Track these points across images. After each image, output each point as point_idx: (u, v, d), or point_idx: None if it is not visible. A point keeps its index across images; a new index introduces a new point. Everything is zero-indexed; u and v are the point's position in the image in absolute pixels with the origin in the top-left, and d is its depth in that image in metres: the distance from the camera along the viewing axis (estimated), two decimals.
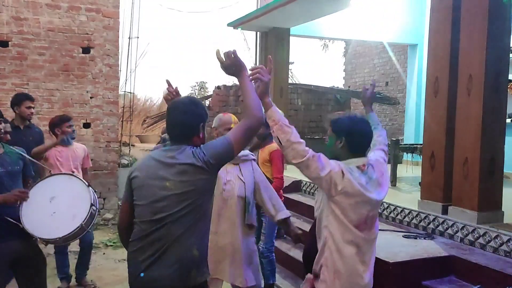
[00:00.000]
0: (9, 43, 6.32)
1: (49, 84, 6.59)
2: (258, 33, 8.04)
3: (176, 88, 2.59)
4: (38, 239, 2.87)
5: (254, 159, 3.14)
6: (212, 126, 3.06)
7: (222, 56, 2.03)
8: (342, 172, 2.14)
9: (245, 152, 3.07)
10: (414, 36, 8.14)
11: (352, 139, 2.28)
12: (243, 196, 2.93)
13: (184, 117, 2.04)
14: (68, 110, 6.66)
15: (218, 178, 2.76)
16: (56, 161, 4.21)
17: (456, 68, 4.11)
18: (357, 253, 2.20)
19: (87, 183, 3.13)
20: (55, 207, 2.90)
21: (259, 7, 8.03)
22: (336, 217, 2.18)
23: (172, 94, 2.57)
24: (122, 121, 8.75)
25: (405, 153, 7.18)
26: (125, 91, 9.43)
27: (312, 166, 2.11)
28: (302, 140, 2.14)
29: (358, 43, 11.60)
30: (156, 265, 1.95)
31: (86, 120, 6.86)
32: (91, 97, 6.86)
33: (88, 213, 2.91)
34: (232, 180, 2.95)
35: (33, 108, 4.47)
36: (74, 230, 2.84)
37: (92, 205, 2.94)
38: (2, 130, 3.02)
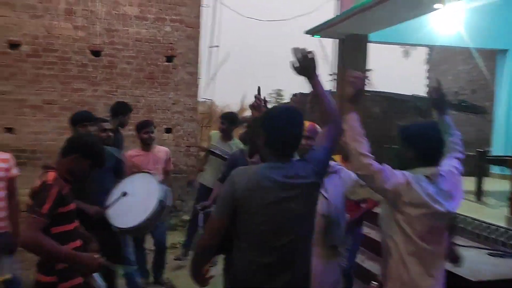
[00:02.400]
0: (101, 53, 6.84)
1: (135, 91, 7.03)
2: (335, 40, 7.97)
3: (264, 97, 2.57)
4: (117, 228, 3.14)
5: (340, 169, 2.76)
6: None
7: (298, 54, 1.98)
8: (409, 182, 2.07)
9: (330, 163, 2.87)
10: (504, 41, 7.60)
11: (421, 148, 2.17)
12: (325, 214, 2.58)
13: (296, 131, 1.95)
14: (152, 115, 7.04)
15: None
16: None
17: None
18: (422, 265, 2.11)
19: (160, 181, 3.36)
20: (131, 201, 3.15)
21: (338, 14, 7.95)
22: (400, 228, 2.11)
23: (257, 102, 2.56)
24: (201, 126, 9.08)
25: (492, 166, 6.71)
26: (205, 98, 9.80)
27: (377, 179, 2.07)
28: (370, 155, 2.10)
29: (441, 49, 11.04)
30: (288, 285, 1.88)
31: (168, 126, 7.21)
32: (173, 104, 7.20)
33: (155, 208, 3.09)
34: None
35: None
36: (142, 222, 3.06)
37: (160, 201, 3.11)
38: (95, 134, 3.42)
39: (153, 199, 3.12)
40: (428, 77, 12.11)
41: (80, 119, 3.51)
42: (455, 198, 2.16)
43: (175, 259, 5.29)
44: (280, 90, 26.45)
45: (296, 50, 1.97)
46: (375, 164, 2.08)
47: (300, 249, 1.89)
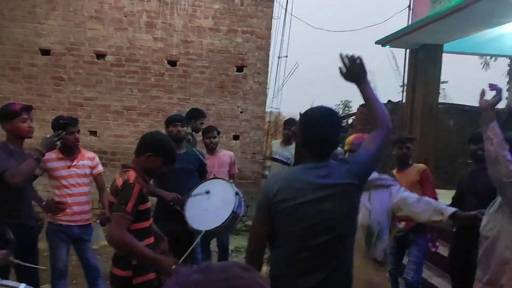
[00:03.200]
0: (177, 63, 7.25)
1: (206, 99, 7.35)
2: (407, 50, 7.82)
3: None
4: (191, 228, 3.29)
5: (393, 184, 2.75)
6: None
7: (345, 59, 1.97)
8: None
9: (383, 176, 2.78)
10: None
11: None
12: (366, 225, 2.60)
13: (335, 132, 1.94)
14: (221, 123, 7.33)
15: None
16: None
17: None
18: None
19: (227, 180, 3.56)
20: (207, 205, 3.31)
21: (409, 23, 7.80)
22: None
23: None
24: (267, 135, 9.26)
25: None
26: (272, 107, 9.99)
27: None
28: None
29: None
30: (328, 285, 1.88)
31: (236, 133, 7.45)
32: (241, 112, 7.44)
33: (228, 218, 3.17)
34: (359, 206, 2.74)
35: (203, 124, 5.02)
36: (214, 228, 3.17)
37: (233, 211, 3.19)
38: (183, 133, 3.65)
39: (228, 208, 3.19)
40: (508, 89, 11.45)
41: (173, 120, 3.75)
42: None
43: None
44: (348, 101, 26.07)
45: (343, 56, 1.97)
46: None
47: (338, 249, 1.87)
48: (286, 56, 8.87)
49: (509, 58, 11.29)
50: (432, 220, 2.60)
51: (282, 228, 1.92)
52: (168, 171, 3.33)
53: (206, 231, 3.12)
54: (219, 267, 0.73)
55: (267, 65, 7.57)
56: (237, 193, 3.28)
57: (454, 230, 3.32)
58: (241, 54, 7.40)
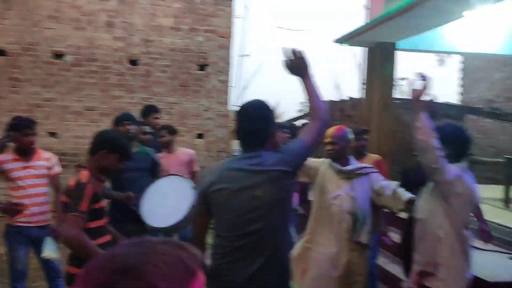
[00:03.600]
0: (138, 62, 7.23)
1: (169, 98, 7.36)
2: (365, 48, 8.07)
3: None
4: (149, 226, 3.28)
5: (371, 172, 2.98)
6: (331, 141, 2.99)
7: (289, 54, 2.02)
8: (460, 175, 2.31)
9: (361, 165, 3.01)
10: None
11: (459, 147, 2.42)
12: (351, 211, 2.85)
13: (261, 123, 1.99)
14: (184, 121, 7.37)
15: (325, 192, 2.90)
16: None
17: None
18: (464, 250, 2.38)
19: (181, 175, 3.56)
20: (164, 202, 3.32)
21: (366, 22, 8.05)
22: (450, 218, 2.33)
23: None
24: (232, 133, 9.33)
25: None
26: (236, 105, 10.07)
27: (443, 171, 2.27)
28: (441, 148, 2.28)
29: (476, 57, 10.89)
30: (264, 275, 1.89)
31: (200, 131, 7.49)
32: (204, 110, 7.49)
33: (188, 212, 3.16)
34: (342, 195, 2.89)
35: (158, 118, 5.02)
36: (173, 224, 3.16)
37: (193, 206, 3.17)
38: (133, 131, 3.64)
39: (186, 203, 3.20)
40: (461, 85, 11.95)
41: (122, 118, 3.75)
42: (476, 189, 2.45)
43: None
44: None
45: (285, 50, 2.02)
46: (441, 157, 2.29)
47: (272, 236, 1.90)
48: (248, 55, 8.96)
49: (459, 55, 11.77)
50: (399, 209, 2.86)
51: (219, 217, 1.98)
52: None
53: (165, 227, 3.14)
54: (148, 242, 0.75)
55: (229, 64, 7.64)
56: (194, 187, 3.30)
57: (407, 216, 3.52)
58: (203, 52, 7.44)
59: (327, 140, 3.01)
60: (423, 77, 2.36)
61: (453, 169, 2.32)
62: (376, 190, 2.91)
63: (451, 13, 5.82)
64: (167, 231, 3.28)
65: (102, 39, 7.08)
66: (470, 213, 2.40)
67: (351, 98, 9.75)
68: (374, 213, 3.16)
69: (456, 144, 2.42)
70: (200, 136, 7.48)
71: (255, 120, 1.99)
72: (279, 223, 1.94)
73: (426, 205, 2.47)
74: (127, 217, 3.39)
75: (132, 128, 3.64)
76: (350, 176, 2.91)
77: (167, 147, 4.60)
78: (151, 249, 0.73)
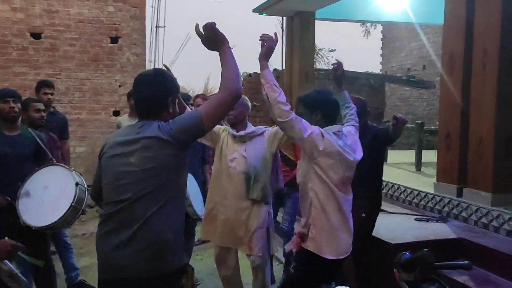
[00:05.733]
0: (42, 35, 6.65)
1: (80, 74, 6.88)
2: (284, 18, 7.97)
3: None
4: (24, 224, 2.88)
5: (265, 130, 3.09)
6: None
7: (201, 30, 1.94)
8: (322, 134, 2.33)
9: (255, 128, 3.10)
10: None
11: (326, 110, 2.48)
12: (244, 171, 2.98)
13: (150, 91, 1.91)
14: (98, 98, 6.95)
15: (223, 156, 3.02)
16: None
17: (471, 44, 3.91)
18: (339, 210, 2.39)
19: (67, 167, 3.15)
20: (44, 197, 2.97)
21: None
22: (319, 178, 2.36)
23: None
24: None
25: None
26: None
27: (296, 127, 2.28)
28: (287, 103, 2.30)
29: (395, 27, 11.23)
30: (124, 251, 1.79)
31: (116, 108, 7.11)
32: (119, 86, 7.10)
33: (66, 212, 2.88)
34: (237, 157, 3.01)
35: (51, 94, 4.61)
36: (66, 212, 2.87)
37: (72, 205, 2.90)
38: (17, 110, 3.18)
39: (67, 200, 2.90)
40: (381, 54, 12.32)
41: (2, 94, 3.18)
42: (357, 151, 2.49)
43: None
44: (245, 72, 26.33)
45: (197, 28, 1.94)
46: (293, 114, 2.30)
47: (142, 208, 1.80)
48: (164, 26, 8.57)
49: (380, 24, 12.09)
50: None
51: (102, 184, 1.94)
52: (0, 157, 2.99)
53: (39, 227, 2.84)
54: None
55: (144, 36, 7.27)
56: (77, 184, 2.97)
57: None
58: (115, 24, 7.00)
59: None
60: (265, 37, 2.37)
61: (314, 127, 2.33)
62: (273, 135, 3.01)
63: None
64: (46, 230, 2.96)
65: None
66: (342, 172, 2.37)
67: (275, 69, 9.70)
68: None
69: (322, 107, 2.47)
70: (116, 113, 7.09)
71: (147, 87, 1.93)
72: (152, 198, 1.81)
73: (301, 168, 2.51)
74: (3, 207, 2.97)
75: (16, 106, 3.20)
76: (243, 139, 3.03)
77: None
78: None
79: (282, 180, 3.62)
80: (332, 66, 2.78)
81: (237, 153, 3.02)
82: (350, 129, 2.59)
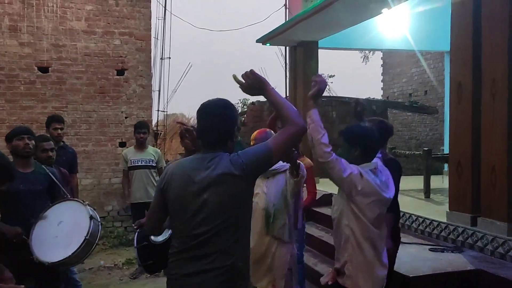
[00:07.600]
0: (49, 69, 6.72)
1: (86, 106, 6.92)
2: (287, 47, 8.09)
3: (192, 126, 2.54)
4: (37, 260, 2.89)
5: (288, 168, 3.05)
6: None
7: (240, 79, 1.96)
8: (361, 173, 2.36)
9: (278, 165, 3.01)
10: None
11: (366, 146, 2.49)
12: (263, 208, 3.02)
13: (219, 122, 1.93)
14: (105, 130, 6.97)
15: None
16: None
17: (480, 73, 3.95)
18: (373, 247, 2.41)
19: (82, 201, 3.21)
20: (57, 232, 2.99)
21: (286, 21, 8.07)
22: (355, 215, 2.38)
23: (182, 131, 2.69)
24: (157, 140, 9.00)
25: (446, 164, 6.90)
26: (161, 111, 9.76)
27: (336, 167, 2.33)
28: (329, 145, 2.35)
29: (395, 54, 11.38)
30: (198, 278, 1.86)
31: (122, 139, 7.12)
32: (126, 117, 7.13)
33: (80, 246, 2.91)
34: (260, 193, 3.05)
35: (61, 129, 4.64)
36: (80, 246, 2.90)
37: (86, 239, 2.93)
38: (31, 147, 3.19)
39: (80, 234, 2.94)
40: (382, 81, 12.43)
41: (16, 132, 3.24)
42: (390, 187, 2.51)
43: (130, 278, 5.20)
44: (246, 99, 26.47)
45: (235, 78, 1.97)
46: (334, 154, 2.36)
47: (219, 241, 1.86)
48: (169, 58, 8.67)
49: (376, 51, 12.25)
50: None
51: (171, 216, 1.99)
52: (13, 194, 2.98)
53: (52, 262, 2.83)
54: None
55: (149, 67, 7.34)
56: (91, 217, 3.01)
57: None
58: (121, 56, 7.08)
59: (251, 142, 3.17)
60: (316, 80, 2.40)
61: (353, 167, 2.36)
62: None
63: (370, 10, 5.93)
64: (58, 266, 2.94)
65: (7, 46, 6.52)
66: (378, 210, 2.39)
67: None
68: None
69: (362, 143, 2.47)
70: (122, 144, 7.10)
71: (216, 119, 1.94)
72: (228, 231, 1.87)
73: (337, 204, 2.54)
74: (15, 243, 2.95)
75: (31, 143, 3.20)
76: (267, 175, 3.03)
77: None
78: None
79: (302, 221, 3.57)
80: (352, 102, 2.81)
81: (260, 189, 3.05)
82: (380, 162, 2.59)
